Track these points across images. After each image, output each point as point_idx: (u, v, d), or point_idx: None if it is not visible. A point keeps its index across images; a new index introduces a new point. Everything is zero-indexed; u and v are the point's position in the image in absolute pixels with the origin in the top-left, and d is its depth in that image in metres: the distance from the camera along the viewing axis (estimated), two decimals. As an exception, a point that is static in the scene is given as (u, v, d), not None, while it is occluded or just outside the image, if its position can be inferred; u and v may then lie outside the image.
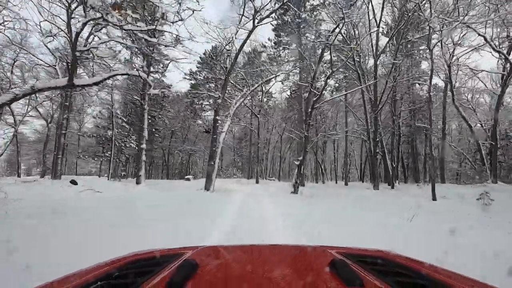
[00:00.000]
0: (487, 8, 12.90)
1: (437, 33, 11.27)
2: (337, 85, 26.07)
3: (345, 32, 16.62)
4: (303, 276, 0.80)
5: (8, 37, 15.96)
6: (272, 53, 23.00)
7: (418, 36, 15.87)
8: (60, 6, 14.70)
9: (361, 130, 20.49)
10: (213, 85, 23.54)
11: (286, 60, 22.51)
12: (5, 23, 14.59)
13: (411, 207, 7.26)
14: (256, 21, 12.73)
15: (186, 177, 22.58)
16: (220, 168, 31.97)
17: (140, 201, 7.23)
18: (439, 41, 12.40)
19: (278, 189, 14.82)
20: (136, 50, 13.75)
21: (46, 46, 16.69)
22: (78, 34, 4.58)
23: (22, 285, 2.05)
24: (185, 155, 33.16)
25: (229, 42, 14.16)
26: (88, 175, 30.67)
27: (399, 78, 15.70)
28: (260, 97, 24.62)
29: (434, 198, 9.04)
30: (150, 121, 25.97)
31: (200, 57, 27.10)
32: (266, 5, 12.65)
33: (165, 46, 9.18)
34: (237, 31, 13.77)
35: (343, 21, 10.25)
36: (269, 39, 23.02)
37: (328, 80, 13.03)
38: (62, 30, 15.16)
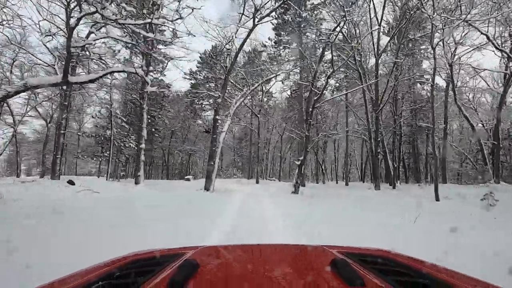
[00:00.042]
0: (489, 6, 12.77)
1: (439, 31, 11.13)
2: (337, 84, 25.96)
3: (346, 31, 16.51)
4: (304, 275, 0.79)
5: (7, 36, 15.86)
6: (273, 52, 22.89)
7: (420, 35, 15.74)
8: (59, 5, 14.65)
9: (362, 129, 20.35)
10: (213, 85, 23.43)
11: (287, 59, 22.40)
12: (4, 22, 14.52)
13: (414, 208, 7.14)
14: (256, 19, 12.62)
15: (186, 177, 22.46)
16: (220, 168, 31.86)
17: (138, 202, 7.13)
18: (440, 40, 12.29)
19: (278, 189, 14.72)
20: (135, 48, 13.66)
21: (45, 46, 16.58)
22: (72, 29, 4.47)
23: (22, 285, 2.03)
24: (185, 155, 33.06)
25: (229, 41, 14.07)
26: (88, 175, 30.57)
27: (401, 77, 15.56)
28: (260, 96, 24.53)
29: (437, 199, 8.91)
30: (149, 120, 25.86)
31: (200, 57, 27.02)
32: (266, 3, 12.56)
33: (163, 42, 9.03)
34: (237, 30, 13.68)
35: (344, 19, 10.14)
36: (269, 38, 22.94)
37: (329, 79, 12.90)
38: (61, 29, 15.08)
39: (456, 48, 15.59)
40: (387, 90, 15.62)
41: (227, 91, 16.81)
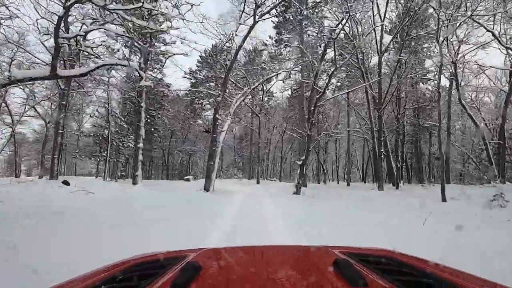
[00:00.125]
0: (494, 2, 12.52)
1: (443, 28, 10.86)
2: (339, 84, 25.73)
3: (348, 29, 16.28)
4: (306, 276, 0.77)
5: (4, 35, 15.68)
6: (273, 51, 22.64)
7: (425, 32, 15.48)
8: (57, 4, 14.35)
9: (364, 129, 20.09)
10: (213, 84, 23.22)
11: (288, 58, 22.16)
12: (2, 21, 14.32)
13: (420, 209, 6.88)
14: (257, 16, 12.37)
15: (185, 177, 22.22)
16: (220, 169, 31.65)
17: (133, 202, 6.89)
18: (445, 39, 12.02)
19: (279, 190, 14.54)
20: (134, 47, 13.44)
21: (43, 44, 16.37)
22: (60, 18, 4.23)
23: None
24: (185, 155, 32.83)
25: (229, 39, 13.83)
26: (88, 176, 30.39)
27: (404, 75, 15.29)
28: (261, 96, 24.33)
29: (443, 199, 8.63)
30: (149, 120, 25.64)
31: (200, 56, 26.83)
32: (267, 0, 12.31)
33: (161, 38, 8.77)
34: (238, 28, 13.44)
35: (348, 14, 9.88)
36: (270, 37, 22.66)
37: (332, 77, 12.64)
38: (60, 28, 14.84)
39: (459, 46, 15.34)
40: (391, 88, 15.36)
41: (227, 90, 16.59)
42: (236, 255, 1.11)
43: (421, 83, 22.08)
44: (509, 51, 14.12)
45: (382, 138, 15.17)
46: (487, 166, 22.63)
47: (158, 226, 4.48)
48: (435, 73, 16.53)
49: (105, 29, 5.82)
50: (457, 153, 25.73)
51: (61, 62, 15.95)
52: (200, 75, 26.77)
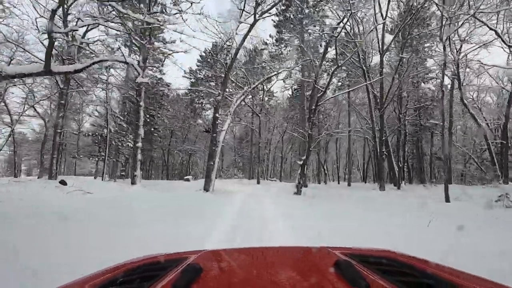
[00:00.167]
0: (498, 0, 12.38)
1: (446, 26, 10.71)
2: (340, 83, 25.58)
3: (350, 28, 16.14)
4: (307, 277, 0.76)
5: (3, 34, 15.59)
6: (274, 50, 22.51)
7: (427, 30, 15.33)
8: (55, 2, 14.14)
9: (365, 128, 19.94)
10: (214, 84, 23.11)
11: (288, 57, 22.02)
12: (1, 19, 14.20)
13: (423, 209, 6.74)
14: (257, 15, 12.25)
15: (185, 177, 22.10)
16: (220, 169, 31.53)
17: (131, 203, 6.74)
18: (447, 37, 11.87)
19: (279, 190, 14.44)
20: (133, 45, 13.30)
21: (42, 43, 16.31)
22: (54, 12, 4.09)
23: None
24: (185, 155, 32.70)
25: (230, 38, 13.72)
26: (88, 176, 30.27)
27: (406, 74, 15.14)
28: (261, 96, 24.22)
29: (447, 200, 8.48)
30: (148, 120, 25.49)
31: (200, 55, 26.72)
32: (268, -3, 12.19)
33: (156, 25, 8.57)
34: (238, 26, 13.31)
35: (349, 11, 9.73)
36: (270, 36, 22.54)
37: (333, 75, 12.50)
38: (58, 27, 14.72)
39: (461, 46, 15.21)
40: (393, 87, 15.22)
41: (227, 89, 16.45)
42: (237, 257, 1.10)
43: (422, 83, 21.94)
44: (512, 49, 13.96)
45: (383, 138, 15.03)
46: (489, 167, 22.52)
47: (154, 227, 4.37)
48: (437, 71, 16.36)
49: (100, 24, 5.65)
50: (458, 153, 25.60)
51: (60, 60, 15.83)
52: (200, 74, 26.65)
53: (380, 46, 15.42)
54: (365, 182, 27.76)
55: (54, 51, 16.09)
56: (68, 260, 2.62)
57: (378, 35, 15.85)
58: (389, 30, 19.67)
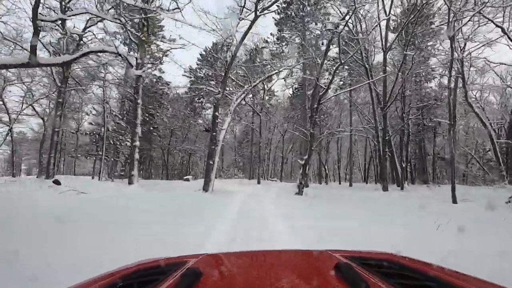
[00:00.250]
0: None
1: (452, 23, 10.44)
2: (341, 82, 25.35)
3: (352, 26, 15.89)
4: (308, 281, 0.77)
5: (1, 32, 15.37)
6: (275, 48, 22.25)
7: (432, 27, 15.06)
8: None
9: (368, 128, 19.68)
10: (214, 82, 22.88)
11: (289, 56, 21.78)
12: (-1, 17, 13.97)
13: (432, 211, 6.48)
14: (258, 11, 11.99)
15: (185, 177, 21.85)
16: (221, 169, 31.29)
17: (124, 203, 6.48)
18: (454, 33, 11.60)
19: (280, 190, 14.24)
20: (131, 42, 13.03)
21: (40, 41, 16.07)
22: (39, -1, 3.84)
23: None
24: (185, 155, 32.45)
25: (230, 35, 13.45)
26: (88, 175, 30.06)
27: (411, 71, 14.85)
28: (262, 95, 23.99)
29: (454, 201, 8.20)
30: (148, 119, 25.26)
31: (200, 54, 26.51)
32: (269, -6, 11.92)
33: (151, 12, 8.29)
34: (238, 23, 13.06)
35: (353, 6, 9.48)
36: (271, 34, 22.28)
37: (336, 73, 12.25)
38: (57, 25, 14.56)
39: (465, 44, 14.94)
40: (396, 86, 14.95)
41: (228, 88, 16.20)
42: (237, 261, 1.10)
43: (425, 82, 21.68)
44: (519, 47, 13.65)
45: (387, 138, 14.76)
46: (492, 167, 22.23)
47: (146, 230, 4.17)
48: (441, 70, 16.08)
49: (90, 13, 5.38)
50: (460, 154, 25.31)
51: (55, 55, 15.61)
52: (200, 73, 26.42)
53: (383, 44, 15.16)
54: (367, 183, 27.51)
55: (52, 49, 15.97)
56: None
57: (381, 32, 15.61)
58: (392, 28, 19.43)
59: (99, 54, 16.19)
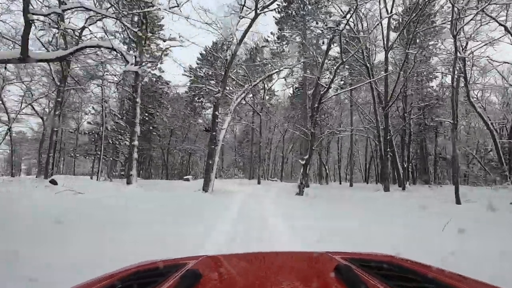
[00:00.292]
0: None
1: (456, 20, 10.31)
2: (342, 82, 25.21)
3: (353, 25, 15.76)
4: (308, 283, 0.77)
5: (-1, 32, 15.23)
6: (275, 47, 22.12)
7: (433, 26, 14.91)
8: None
9: (370, 127, 19.54)
10: (214, 82, 22.78)
11: (290, 55, 21.64)
12: (-2, 15, 13.84)
13: (435, 212, 6.35)
14: (259, 10, 11.87)
15: (185, 177, 21.73)
16: (221, 169, 31.17)
17: (120, 204, 6.36)
18: (458, 31, 11.46)
19: (280, 190, 14.14)
20: (131, 41, 12.91)
21: (39, 40, 15.95)
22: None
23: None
24: (185, 154, 32.33)
25: (230, 34, 13.35)
26: (88, 175, 29.94)
27: (413, 70, 14.69)
28: (262, 94, 23.88)
29: (458, 202, 8.06)
30: (147, 118, 25.14)
31: (200, 53, 26.41)
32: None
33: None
34: (238, 22, 12.95)
35: (355, 3, 9.35)
36: (272, 33, 22.14)
37: (337, 72, 12.11)
38: (56, 22, 14.44)
39: (467, 43, 14.80)
40: (398, 85, 14.81)
41: (228, 87, 16.07)
42: (237, 263, 1.09)
43: (427, 81, 21.54)
44: (522, 46, 13.51)
45: (388, 137, 14.62)
46: (494, 167, 22.09)
47: (140, 231, 4.08)
48: (443, 69, 15.93)
49: (85, 7, 5.24)
50: (461, 154, 25.15)
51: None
52: (200, 72, 26.31)
53: (385, 42, 15.02)
54: (367, 183, 27.37)
55: (51, 48, 15.84)
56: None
57: (383, 31, 15.47)
58: (393, 28, 19.30)
59: (98, 53, 16.10)
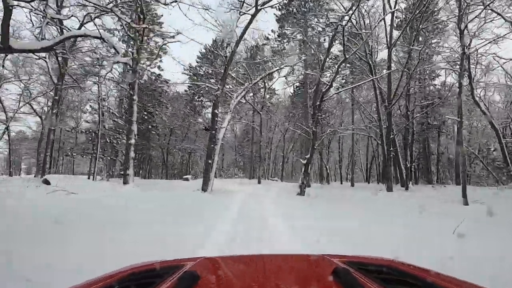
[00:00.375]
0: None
1: (463, 15, 10.04)
2: (343, 81, 24.95)
3: (356, 22, 15.49)
4: (306, 285, 0.78)
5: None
6: (276, 45, 21.85)
7: (438, 22, 14.63)
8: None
9: (372, 126, 19.26)
10: (214, 80, 22.54)
11: (291, 53, 21.38)
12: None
13: (444, 214, 6.08)
14: (259, 6, 11.61)
15: (184, 177, 21.49)
16: (221, 168, 30.94)
17: (115, 204, 6.12)
18: (465, 26, 11.18)
19: (281, 190, 13.95)
20: (130, 39, 12.65)
21: (36, 38, 15.73)
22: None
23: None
24: (185, 154, 32.09)
25: (230, 31, 13.11)
26: (87, 175, 29.71)
27: (417, 68, 14.42)
28: (263, 93, 23.65)
29: (465, 203, 7.78)
30: (146, 117, 24.89)
31: (200, 52, 26.19)
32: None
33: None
34: (238, 18, 12.69)
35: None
36: (272, 31, 21.87)
37: (339, 68, 11.84)
38: (53, 21, 14.20)
39: (471, 41, 14.54)
40: (401, 84, 14.55)
41: (228, 86, 15.84)
42: (235, 265, 1.09)
43: (429, 80, 21.28)
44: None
45: (391, 137, 14.34)
46: (496, 167, 21.81)
47: (140, 231, 3.98)
48: (450, 65, 15.61)
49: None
50: (463, 153, 24.83)
51: (51, 53, 15.25)
52: (200, 71, 26.07)
53: (388, 39, 14.75)
54: (368, 183, 27.12)
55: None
56: None
57: (386, 28, 15.20)
58: (395, 26, 19.04)
59: (96, 51, 15.88)
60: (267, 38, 21.45)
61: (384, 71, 15.17)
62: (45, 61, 16.62)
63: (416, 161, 23.95)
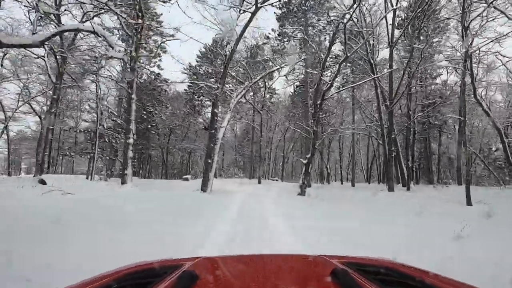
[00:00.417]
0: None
1: (466, 13, 9.91)
2: (344, 80, 24.81)
3: (357, 20, 15.37)
4: (304, 286, 0.78)
5: (-5, 29, 14.93)
6: (276, 44, 21.70)
7: (441, 20, 14.50)
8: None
9: (373, 126, 19.11)
10: (213, 80, 22.42)
11: (291, 52, 21.25)
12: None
13: (448, 215, 5.96)
14: (259, 3, 11.48)
15: (184, 176, 21.38)
16: (221, 168, 30.82)
17: (119, 204, 6.00)
18: (469, 24, 11.05)
19: (281, 190, 13.87)
20: (129, 37, 12.53)
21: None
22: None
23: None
24: (185, 154, 31.98)
25: (230, 29, 12.98)
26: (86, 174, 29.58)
27: (420, 66, 14.26)
28: (263, 93, 23.53)
29: (469, 203, 7.65)
30: (146, 117, 24.77)
31: (200, 51, 26.07)
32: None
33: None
34: (238, 17, 12.56)
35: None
36: (273, 30, 21.73)
37: (341, 66, 11.70)
38: (52, 20, 14.10)
39: (473, 39, 14.41)
40: (402, 83, 14.41)
41: (228, 85, 15.70)
42: (233, 265, 1.09)
43: (430, 79, 21.14)
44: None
45: (393, 136, 14.21)
46: (497, 167, 21.67)
47: (140, 231, 3.96)
48: (449, 65, 15.50)
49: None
50: (463, 153, 24.72)
51: (50, 52, 15.15)
52: (200, 70, 25.95)
53: (390, 38, 14.61)
54: (369, 183, 26.99)
55: (48, 46, 15.51)
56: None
57: (387, 27, 15.08)
58: (397, 24, 18.90)
59: (94, 49, 15.76)
60: (268, 37, 21.33)
61: (385, 70, 15.02)
62: (44, 60, 16.52)
63: (417, 161, 23.83)
